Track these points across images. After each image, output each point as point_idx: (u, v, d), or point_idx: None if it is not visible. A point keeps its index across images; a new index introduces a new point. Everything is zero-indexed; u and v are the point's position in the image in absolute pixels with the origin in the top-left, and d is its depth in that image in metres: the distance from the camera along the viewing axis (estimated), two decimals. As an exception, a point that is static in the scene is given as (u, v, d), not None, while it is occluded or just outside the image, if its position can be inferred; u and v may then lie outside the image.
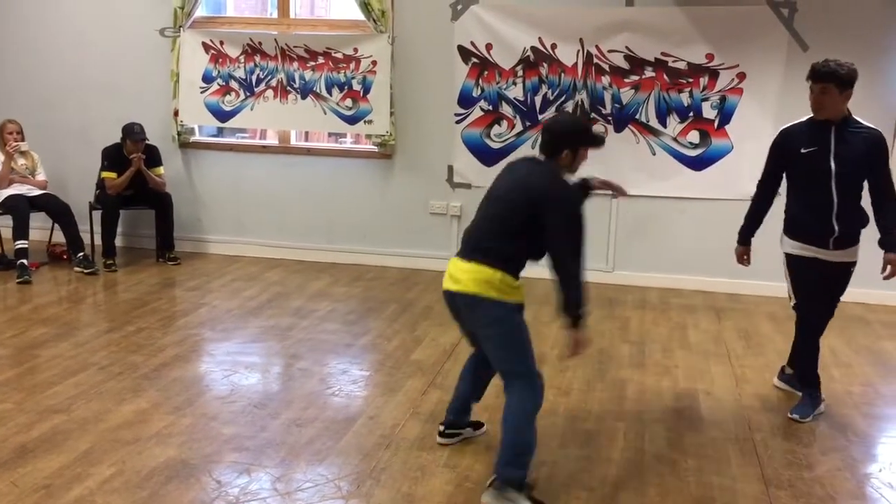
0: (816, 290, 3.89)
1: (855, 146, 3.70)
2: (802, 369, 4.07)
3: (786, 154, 3.85)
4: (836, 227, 3.74)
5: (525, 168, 3.20)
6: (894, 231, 3.75)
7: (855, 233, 3.82)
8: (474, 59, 6.23)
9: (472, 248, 3.09)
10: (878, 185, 3.75)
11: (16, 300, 5.46)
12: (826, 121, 3.74)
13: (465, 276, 3.03)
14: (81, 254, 6.21)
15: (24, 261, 5.94)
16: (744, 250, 4.16)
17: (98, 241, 6.39)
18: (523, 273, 3.12)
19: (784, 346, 4.96)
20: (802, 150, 3.76)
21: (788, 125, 3.93)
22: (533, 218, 2.99)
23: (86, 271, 6.11)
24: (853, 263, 3.89)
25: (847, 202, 3.74)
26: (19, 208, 6.15)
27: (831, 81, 3.67)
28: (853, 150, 3.70)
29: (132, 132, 6.34)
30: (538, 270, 6.63)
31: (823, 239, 3.79)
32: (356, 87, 6.44)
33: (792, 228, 3.90)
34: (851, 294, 5.93)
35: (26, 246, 6.02)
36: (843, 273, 3.89)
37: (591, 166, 6.29)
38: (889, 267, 3.79)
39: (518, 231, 3.03)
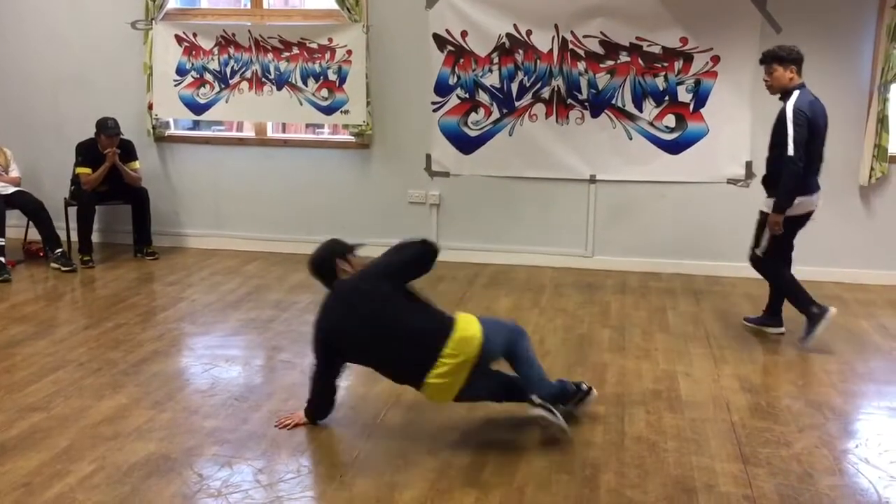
0: None
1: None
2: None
3: None
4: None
5: None
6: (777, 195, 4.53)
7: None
8: (450, 47, 6.21)
9: None
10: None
11: (-8, 299, 5.41)
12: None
13: None
14: (59, 250, 6.15)
15: (2, 258, 5.87)
16: None
17: (74, 237, 6.33)
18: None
19: (762, 327, 5.03)
20: None
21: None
22: None
23: (63, 268, 6.06)
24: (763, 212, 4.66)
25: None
26: (-6, 207, 6.08)
27: (768, 61, 4.58)
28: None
29: (106, 127, 6.27)
30: (517, 257, 6.65)
31: None
32: (332, 77, 6.41)
33: None
34: (827, 273, 6.06)
35: (3, 244, 5.95)
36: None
37: (569, 151, 6.36)
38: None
39: None
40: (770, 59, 4.55)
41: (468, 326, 3.29)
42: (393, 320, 3.30)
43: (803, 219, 4.64)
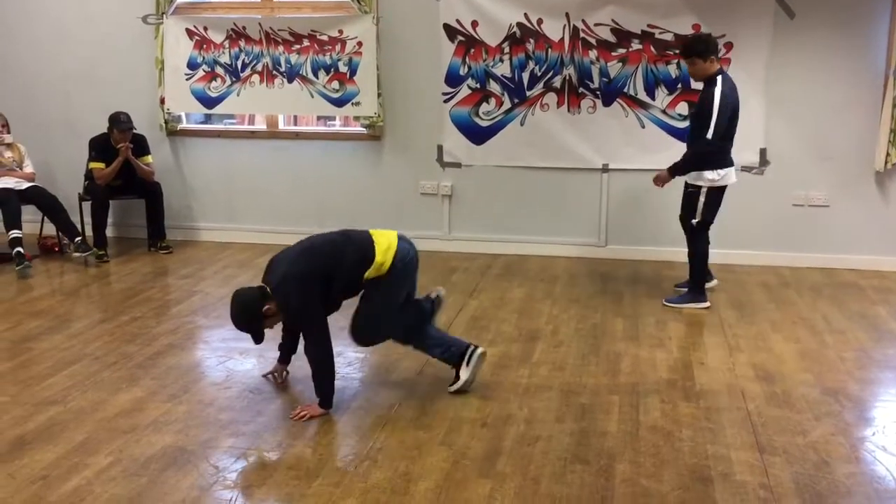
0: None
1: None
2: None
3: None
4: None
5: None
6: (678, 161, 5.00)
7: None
8: (460, 38, 6.19)
9: None
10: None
11: (8, 293, 5.44)
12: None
13: None
14: (78, 238, 6.17)
15: (20, 249, 5.89)
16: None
17: (89, 231, 6.36)
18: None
19: (777, 315, 5.01)
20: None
21: None
22: None
23: (85, 254, 6.08)
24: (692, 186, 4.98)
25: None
26: (9, 200, 6.12)
27: (693, 55, 4.84)
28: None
29: (118, 121, 6.30)
30: (530, 247, 6.63)
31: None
32: (342, 69, 6.40)
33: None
34: (843, 260, 6.03)
35: (20, 235, 5.97)
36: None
37: (581, 140, 6.32)
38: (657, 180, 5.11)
39: None
40: (690, 54, 4.85)
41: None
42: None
43: (724, 189, 5.01)
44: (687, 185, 5.03)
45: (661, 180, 5.09)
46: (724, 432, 3.43)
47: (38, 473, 3.09)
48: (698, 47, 4.84)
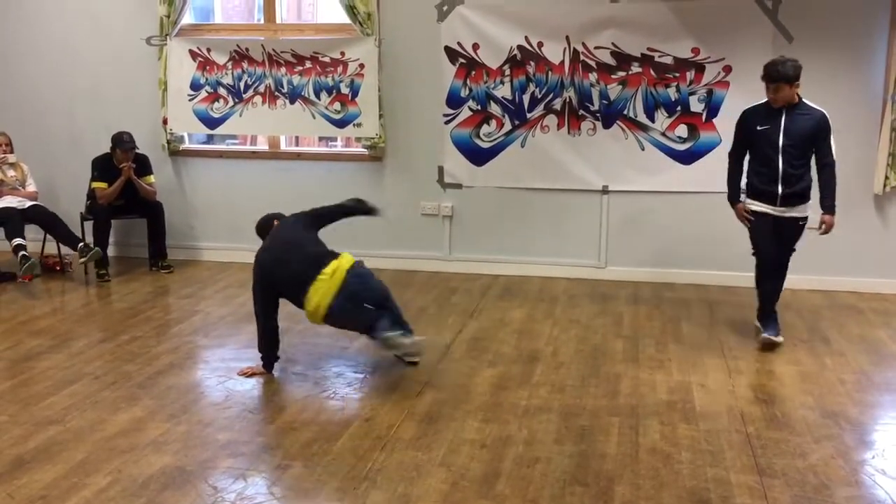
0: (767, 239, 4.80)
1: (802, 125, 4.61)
2: (762, 303, 4.89)
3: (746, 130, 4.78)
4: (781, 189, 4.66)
5: None
6: (828, 197, 4.68)
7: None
8: (461, 60, 6.24)
9: None
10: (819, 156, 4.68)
11: (9, 312, 5.45)
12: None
13: None
14: (81, 244, 6.14)
15: (25, 252, 5.88)
16: (742, 206, 4.85)
17: (91, 249, 6.38)
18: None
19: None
20: (759, 128, 4.68)
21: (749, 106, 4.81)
22: None
23: (89, 254, 5.99)
24: (804, 218, 4.73)
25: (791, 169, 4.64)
26: (10, 218, 6.14)
27: (781, 81, 4.53)
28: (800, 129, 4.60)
29: (121, 141, 6.34)
30: (530, 268, 6.64)
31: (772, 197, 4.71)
32: (344, 90, 6.45)
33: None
34: (843, 283, 6.03)
35: (24, 242, 5.96)
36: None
37: (581, 161, 6.34)
38: (824, 225, 4.73)
39: None
40: (784, 80, 4.50)
41: (344, 260, 4.24)
42: (301, 246, 4.33)
43: None
44: (797, 220, 4.72)
45: (830, 225, 4.70)
46: (723, 455, 3.43)
47: (37, 493, 3.09)
48: (791, 73, 4.50)
